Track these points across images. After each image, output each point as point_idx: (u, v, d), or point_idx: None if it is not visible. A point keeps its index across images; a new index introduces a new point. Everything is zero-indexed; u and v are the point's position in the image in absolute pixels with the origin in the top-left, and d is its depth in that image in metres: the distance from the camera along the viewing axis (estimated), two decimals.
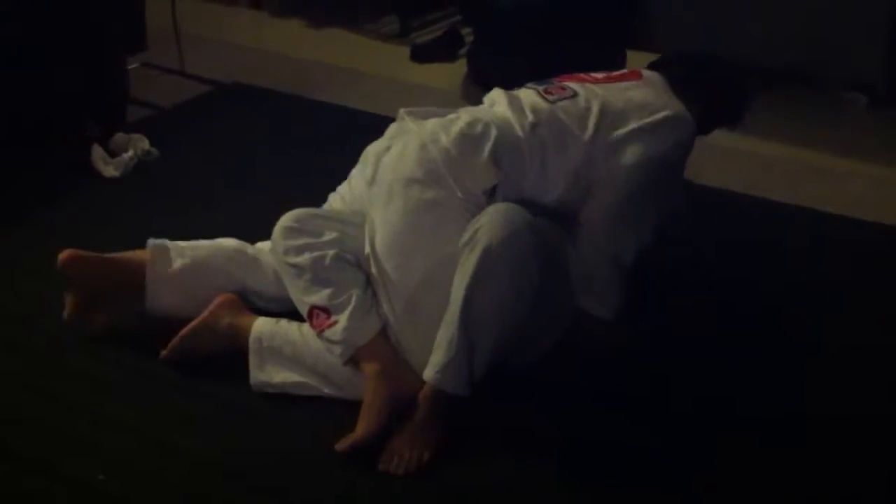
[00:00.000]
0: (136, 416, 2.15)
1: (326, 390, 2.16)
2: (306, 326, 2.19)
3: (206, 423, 2.14)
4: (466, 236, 2.04)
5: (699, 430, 2.09)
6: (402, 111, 2.36)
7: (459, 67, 4.01)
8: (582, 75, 2.42)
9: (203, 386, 2.23)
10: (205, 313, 2.26)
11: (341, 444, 2.01)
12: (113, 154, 3.24)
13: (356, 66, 4.15)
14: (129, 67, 3.65)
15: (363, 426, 2.03)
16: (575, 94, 2.31)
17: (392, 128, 2.35)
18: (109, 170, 3.18)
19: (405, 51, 4.31)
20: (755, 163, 3.28)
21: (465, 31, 4.32)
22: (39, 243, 2.79)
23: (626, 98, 2.31)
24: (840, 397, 2.21)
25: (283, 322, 2.24)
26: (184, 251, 2.38)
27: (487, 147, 2.18)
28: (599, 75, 2.43)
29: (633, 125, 2.26)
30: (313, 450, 2.04)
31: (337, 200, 2.38)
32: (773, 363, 2.31)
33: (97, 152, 3.21)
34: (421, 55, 4.25)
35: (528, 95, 2.34)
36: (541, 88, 2.34)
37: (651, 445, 2.05)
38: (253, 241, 2.43)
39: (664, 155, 2.28)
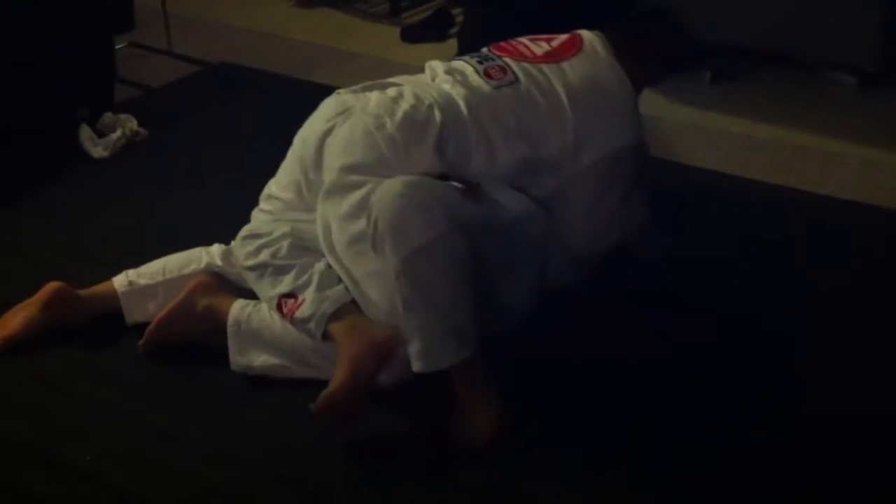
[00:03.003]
0: (136, 404, 2.15)
1: (306, 372, 2.15)
2: None
3: (207, 410, 2.13)
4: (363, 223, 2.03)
5: (700, 430, 2.07)
6: (338, 91, 2.31)
7: (450, 48, 3.99)
8: (521, 47, 2.32)
9: (200, 372, 2.22)
10: (180, 297, 2.24)
11: (317, 404, 1.97)
12: (101, 134, 3.23)
13: (346, 46, 4.13)
14: (117, 47, 3.63)
15: (335, 381, 1.99)
16: (515, 80, 2.23)
17: (329, 105, 2.27)
18: (98, 150, 3.16)
19: (395, 31, 4.29)
20: (744, 144, 3.27)
21: (456, 11, 4.31)
22: (30, 226, 2.79)
23: (567, 86, 2.24)
24: (837, 394, 2.17)
25: (262, 304, 2.22)
26: (156, 290, 2.33)
27: (433, 135, 2.14)
28: (538, 49, 2.31)
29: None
30: (318, 436, 2.03)
31: (272, 188, 2.34)
32: (768, 356, 2.29)
33: (85, 132, 3.20)
34: (411, 35, 4.23)
35: (470, 73, 2.26)
36: (480, 67, 2.26)
37: (651, 445, 2.03)
38: (241, 219, 2.39)
39: (615, 152, 2.27)
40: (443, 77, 2.27)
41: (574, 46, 2.34)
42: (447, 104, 2.19)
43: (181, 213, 2.83)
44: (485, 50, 2.37)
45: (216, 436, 2.06)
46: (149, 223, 2.78)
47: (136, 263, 2.39)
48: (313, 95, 3.59)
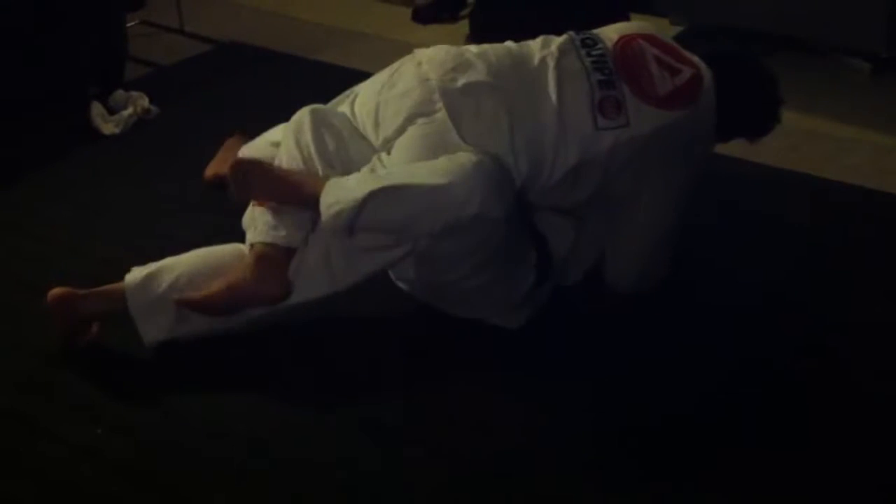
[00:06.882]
0: (140, 382, 2.15)
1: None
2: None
3: (209, 387, 2.14)
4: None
5: (699, 429, 2.04)
6: (428, 72, 2.18)
7: (461, 29, 3.98)
8: (647, 74, 2.18)
9: (204, 349, 2.22)
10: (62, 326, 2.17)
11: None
12: (112, 111, 3.23)
13: (356, 26, 4.13)
14: (128, 25, 3.63)
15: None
16: (625, 125, 2.14)
17: (416, 91, 2.15)
18: (109, 127, 3.17)
19: (406, 12, 4.28)
20: None
21: None
22: (41, 203, 2.79)
23: (665, 137, 2.18)
24: (845, 393, 2.13)
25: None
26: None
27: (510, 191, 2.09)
28: (661, 84, 2.18)
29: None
30: (323, 414, 2.04)
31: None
32: (776, 348, 2.26)
33: (96, 109, 3.20)
34: (422, 16, 4.22)
35: (581, 96, 2.13)
36: (596, 94, 2.13)
37: (651, 443, 2.00)
38: None
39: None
40: (554, 89, 2.13)
41: (693, 94, 2.22)
42: (533, 141, 2.11)
43: (191, 190, 2.83)
44: (610, 42, 2.23)
45: (218, 412, 2.06)
46: (158, 200, 2.78)
47: (146, 240, 2.39)
48: (323, 75, 3.64)
